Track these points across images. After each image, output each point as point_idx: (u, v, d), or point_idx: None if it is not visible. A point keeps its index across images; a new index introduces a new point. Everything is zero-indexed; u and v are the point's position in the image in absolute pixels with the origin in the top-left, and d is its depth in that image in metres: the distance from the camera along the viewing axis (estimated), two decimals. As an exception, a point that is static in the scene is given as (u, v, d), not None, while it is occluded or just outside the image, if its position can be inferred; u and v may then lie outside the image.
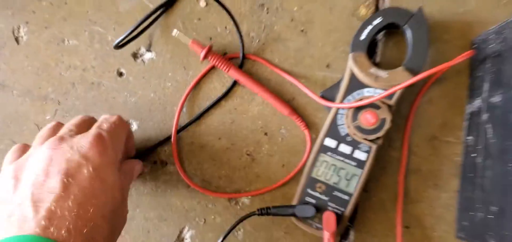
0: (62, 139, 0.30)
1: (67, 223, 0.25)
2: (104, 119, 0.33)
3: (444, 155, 0.38)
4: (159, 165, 0.40)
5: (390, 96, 0.35)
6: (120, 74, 0.41)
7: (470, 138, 0.36)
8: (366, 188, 0.38)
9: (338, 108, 0.36)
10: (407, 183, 0.38)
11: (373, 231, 0.38)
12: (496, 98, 0.32)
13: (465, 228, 0.36)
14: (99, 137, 0.30)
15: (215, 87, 0.40)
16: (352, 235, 0.39)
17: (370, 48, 0.37)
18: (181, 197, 0.40)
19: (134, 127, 0.41)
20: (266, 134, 0.39)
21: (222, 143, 0.40)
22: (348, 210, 0.36)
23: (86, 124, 0.33)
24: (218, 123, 0.40)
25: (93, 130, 0.31)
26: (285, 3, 0.39)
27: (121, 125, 0.34)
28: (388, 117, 0.35)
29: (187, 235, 0.40)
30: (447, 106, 0.38)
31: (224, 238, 0.36)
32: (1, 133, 0.41)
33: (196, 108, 0.40)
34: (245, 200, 0.40)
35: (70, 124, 0.33)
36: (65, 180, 0.27)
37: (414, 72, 0.35)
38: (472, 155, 0.35)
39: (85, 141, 0.30)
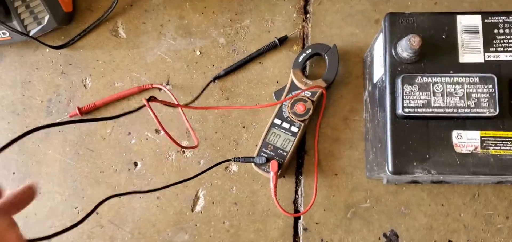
0: None
1: None
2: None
3: (354, 128, 0.61)
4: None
5: (313, 94, 0.59)
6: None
7: (365, 114, 0.59)
8: (308, 153, 0.61)
9: (283, 101, 0.60)
10: (333, 148, 0.61)
11: (313, 178, 0.61)
12: (370, 88, 0.56)
13: (368, 169, 0.58)
14: None
15: (210, 102, 0.64)
16: (302, 180, 0.61)
17: (303, 67, 0.61)
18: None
19: (162, 132, 0.65)
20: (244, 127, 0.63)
21: (217, 135, 0.64)
22: (286, 161, 0.58)
23: None
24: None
25: None
26: (248, 47, 0.64)
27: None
28: (311, 107, 0.58)
29: (201, 193, 0.63)
30: (352, 98, 0.61)
31: (206, 170, 0.59)
32: (80, 143, 0.66)
33: (199, 116, 0.64)
34: (235, 168, 0.63)
35: None
36: None
37: (328, 82, 0.59)
38: (367, 124, 0.58)
39: None
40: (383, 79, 0.47)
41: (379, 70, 0.50)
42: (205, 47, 0.65)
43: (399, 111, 0.45)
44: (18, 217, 0.64)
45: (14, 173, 0.66)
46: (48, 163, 0.66)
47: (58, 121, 0.66)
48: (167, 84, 0.65)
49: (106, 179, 0.64)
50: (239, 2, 0.65)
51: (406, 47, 0.44)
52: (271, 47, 0.63)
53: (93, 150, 0.65)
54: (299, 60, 0.61)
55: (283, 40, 0.63)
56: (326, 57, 0.60)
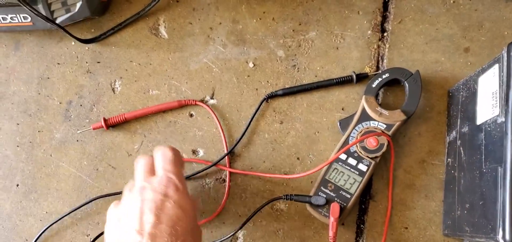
0: (143, 188, 0.41)
1: (165, 240, 0.37)
2: (163, 159, 0.43)
3: (432, 174, 0.51)
4: (221, 181, 0.54)
5: (388, 127, 0.49)
6: (191, 115, 0.55)
7: (449, 159, 0.50)
8: (375, 198, 0.51)
9: (350, 132, 0.50)
10: (405, 195, 0.51)
11: (381, 231, 0.51)
12: (465, 129, 0.46)
13: (448, 226, 0.48)
14: (168, 179, 0.41)
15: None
16: (365, 231, 0.51)
17: (377, 94, 0.52)
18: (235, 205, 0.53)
19: (201, 153, 0.55)
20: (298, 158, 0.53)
21: (266, 165, 0.54)
22: (349, 205, 0.49)
23: (149, 166, 0.45)
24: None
25: (162, 173, 0.42)
26: (311, 64, 0.55)
27: (177, 157, 0.44)
28: (385, 143, 0.49)
29: (240, 234, 0.52)
30: (432, 137, 0.52)
31: (253, 214, 0.50)
32: (101, 158, 0.55)
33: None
34: (283, 206, 0.53)
35: (141, 171, 0.43)
36: (156, 212, 0.38)
37: (408, 114, 0.49)
38: (452, 172, 0.49)
39: (160, 185, 0.40)
40: (499, 122, 0.38)
41: (488, 110, 0.41)
42: (260, 58, 0.56)
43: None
44: (16, 241, 0.53)
45: (17, 185, 0.55)
46: (60, 177, 0.55)
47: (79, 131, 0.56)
48: (212, 97, 0.55)
49: (128, 202, 0.53)
50: (305, 10, 0.56)
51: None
52: (345, 82, 0.53)
53: (115, 167, 0.55)
54: (374, 86, 0.51)
55: (362, 78, 0.53)
56: (407, 85, 0.50)
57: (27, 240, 0.54)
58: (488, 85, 0.42)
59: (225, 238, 0.51)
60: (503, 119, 0.38)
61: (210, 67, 0.56)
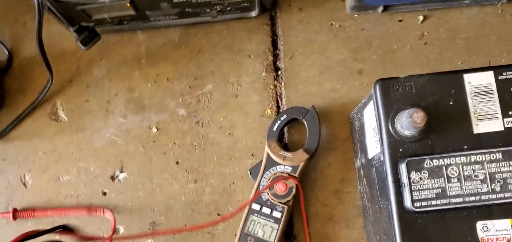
0: None
1: None
2: None
3: (348, 202, 0.51)
4: (143, 256, 0.53)
5: (294, 169, 0.49)
6: (104, 193, 0.54)
7: (360, 187, 0.49)
8: (298, 238, 0.51)
9: (260, 180, 0.50)
10: (327, 229, 0.51)
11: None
12: (363, 160, 0.46)
13: (370, 254, 0.48)
14: None
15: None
16: (292, 277, 0.51)
17: (280, 136, 0.51)
18: None
19: (121, 230, 0.54)
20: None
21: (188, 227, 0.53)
22: None
23: None
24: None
25: None
26: (214, 117, 0.54)
27: None
28: (293, 185, 0.48)
29: None
30: (342, 166, 0.51)
31: None
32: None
33: (163, 207, 0.54)
34: (210, 268, 0.52)
35: None
36: None
37: (311, 152, 0.49)
38: (363, 200, 0.48)
39: None
40: (381, 160, 0.38)
41: (374, 147, 0.41)
42: (162, 122, 0.54)
43: (407, 204, 0.35)
44: None
45: None
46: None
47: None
48: (122, 171, 0.54)
49: None
50: (197, 64, 0.55)
51: (408, 125, 0.34)
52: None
53: (38, 262, 0.54)
54: (274, 130, 0.50)
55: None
56: (305, 123, 0.50)
57: None
58: (370, 120, 0.42)
59: None
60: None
61: (114, 141, 0.55)
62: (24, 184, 0.56)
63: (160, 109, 0.55)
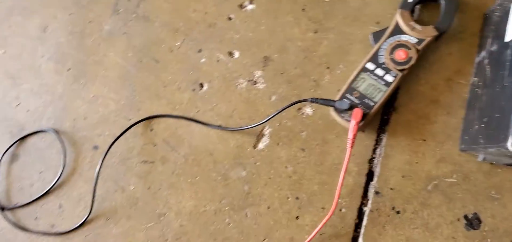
0: None
1: None
2: None
3: (457, 92, 0.53)
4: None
5: (419, 41, 0.51)
6: (229, 18, 0.59)
7: (475, 79, 0.51)
8: (398, 110, 0.54)
9: (381, 44, 0.52)
10: (429, 110, 0.54)
11: (399, 140, 0.54)
12: (494, 47, 0.47)
13: (465, 141, 0.51)
14: None
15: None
16: (384, 139, 0.55)
17: (412, 10, 0.53)
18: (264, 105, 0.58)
19: (236, 55, 0.58)
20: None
21: (296, 71, 0.57)
22: (372, 112, 0.51)
23: None
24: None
25: None
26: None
27: None
28: (414, 56, 0.50)
29: (266, 131, 0.57)
30: (461, 58, 0.53)
31: (280, 111, 0.53)
32: (145, 53, 0.60)
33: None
34: (309, 111, 0.56)
35: None
36: None
37: (440, 31, 0.50)
38: (475, 90, 0.50)
39: None
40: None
41: (518, 27, 0.42)
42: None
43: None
44: (65, 119, 0.60)
45: (69, 69, 0.61)
46: (107, 66, 0.60)
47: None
48: (251, 2, 0.58)
49: (167, 95, 0.58)
50: None
51: None
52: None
53: (158, 61, 0.59)
54: (410, 0, 0.52)
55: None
56: (443, 2, 0.51)
57: (74, 119, 0.60)
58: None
59: (252, 126, 0.55)
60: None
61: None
62: (158, -11, 0.60)
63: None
